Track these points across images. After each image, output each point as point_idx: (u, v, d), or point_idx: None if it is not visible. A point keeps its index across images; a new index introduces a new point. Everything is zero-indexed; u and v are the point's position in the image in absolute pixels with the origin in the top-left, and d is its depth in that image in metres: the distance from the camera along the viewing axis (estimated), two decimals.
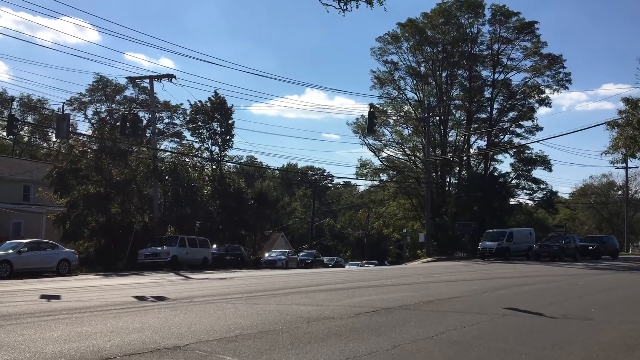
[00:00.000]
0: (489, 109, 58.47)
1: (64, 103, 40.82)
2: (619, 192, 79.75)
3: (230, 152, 62.88)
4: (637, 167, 64.30)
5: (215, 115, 47.87)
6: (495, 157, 58.48)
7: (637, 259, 42.47)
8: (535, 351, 6.44)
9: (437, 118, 56.56)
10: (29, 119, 65.12)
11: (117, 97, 62.93)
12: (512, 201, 58.74)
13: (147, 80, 38.80)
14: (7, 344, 6.72)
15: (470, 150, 59.24)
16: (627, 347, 6.85)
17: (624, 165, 62.24)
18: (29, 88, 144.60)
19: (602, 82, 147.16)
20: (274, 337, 7.06)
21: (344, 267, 48.50)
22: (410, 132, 58.49)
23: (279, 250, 45.06)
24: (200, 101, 49.24)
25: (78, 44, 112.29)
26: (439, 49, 56.69)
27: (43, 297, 13.26)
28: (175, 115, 62.05)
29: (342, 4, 11.94)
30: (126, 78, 46.53)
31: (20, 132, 64.57)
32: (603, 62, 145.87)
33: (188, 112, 53.49)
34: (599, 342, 7.13)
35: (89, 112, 63.86)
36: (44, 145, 68.32)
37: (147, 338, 7.01)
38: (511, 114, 59.10)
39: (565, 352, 6.45)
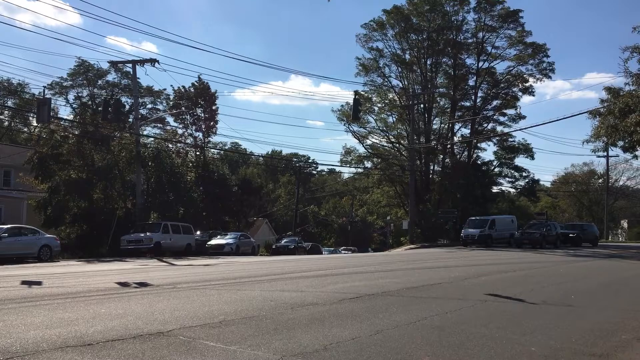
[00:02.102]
0: (473, 97, 58.67)
1: (44, 87, 40.15)
2: (600, 181, 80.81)
3: (214, 138, 62.53)
4: (617, 156, 65.11)
5: (199, 101, 47.55)
6: (478, 145, 58.84)
7: (616, 247, 43.20)
8: (515, 336, 6.53)
9: (422, 106, 56.59)
10: (9, 103, 64.03)
11: (99, 82, 61.96)
12: (495, 189, 59.47)
13: (130, 65, 38.26)
14: None
15: (454, 138, 59.50)
16: (606, 333, 6.98)
17: (605, 153, 63.34)
18: (9, 72, 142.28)
19: (585, 71, 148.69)
20: (258, 323, 7.07)
21: (321, 253, 47.70)
22: (394, 119, 58.49)
23: (229, 234, 40.51)
24: (183, 86, 48.90)
25: (58, 26, 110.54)
26: (424, 36, 56.57)
27: (24, 283, 13.14)
28: (159, 100, 61.34)
29: None
30: (108, 62, 45.88)
31: (0, 116, 63.52)
32: (587, 50, 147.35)
33: (171, 97, 53.08)
34: (578, 328, 7.25)
35: (71, 97, 62.88)
36: (25, 129, 67.27)
37: (130, 324, 6.98)
38: (495, 102, 59.27)
39: (545, 337, 6.54)
